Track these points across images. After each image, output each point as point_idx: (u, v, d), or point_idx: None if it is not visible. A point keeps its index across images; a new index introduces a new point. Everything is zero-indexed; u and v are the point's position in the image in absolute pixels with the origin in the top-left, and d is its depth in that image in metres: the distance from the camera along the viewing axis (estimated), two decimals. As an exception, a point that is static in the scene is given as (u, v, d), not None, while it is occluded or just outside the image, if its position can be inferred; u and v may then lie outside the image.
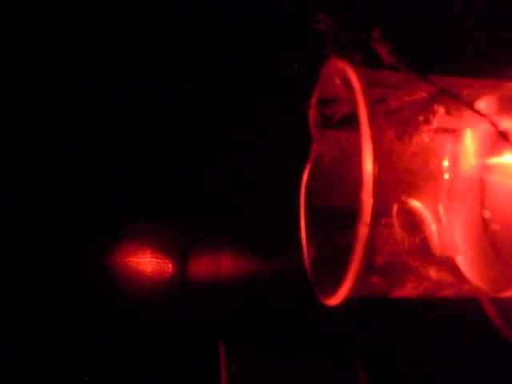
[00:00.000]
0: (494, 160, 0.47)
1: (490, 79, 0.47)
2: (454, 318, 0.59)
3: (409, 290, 0.44)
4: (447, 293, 0.47)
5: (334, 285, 0.41)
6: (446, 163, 0.50)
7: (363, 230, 0.36)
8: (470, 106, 0.38)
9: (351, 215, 0.42)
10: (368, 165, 0.36)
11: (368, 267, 0.40)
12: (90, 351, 0.64)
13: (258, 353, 0.68)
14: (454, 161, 0.50)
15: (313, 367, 0.69)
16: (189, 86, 0.63)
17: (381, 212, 0.48)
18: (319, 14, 0.42)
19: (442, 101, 0.45)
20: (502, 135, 0.38)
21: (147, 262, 0.66)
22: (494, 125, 0.37)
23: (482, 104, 0.48)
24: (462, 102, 0.40)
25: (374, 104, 0.40)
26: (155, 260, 0.67)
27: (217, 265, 0.71)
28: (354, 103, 0.39)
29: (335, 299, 0.40)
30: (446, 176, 0.50)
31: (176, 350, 0.66)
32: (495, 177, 0.46)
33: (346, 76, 0.40)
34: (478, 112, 0.38)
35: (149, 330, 0.66)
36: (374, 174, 0.36)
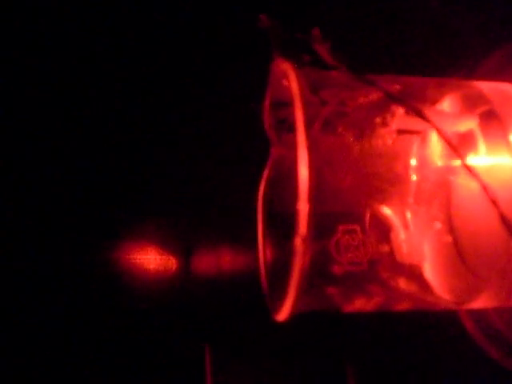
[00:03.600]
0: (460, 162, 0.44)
1: (453, 78, 0.44)
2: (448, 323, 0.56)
3: (364, 302, 0.42)
4: (408, 305, 0.45)
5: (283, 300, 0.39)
6: (413, 165, 0.48)
7: (299, 243, 0.34)
8: (414, 108, 0.36)
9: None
10: (303, 171, 0.34)
11: (312, 280, 0.38)
12: (94, 348, 0.63)
13: (247, 354, 0.66)
14: (421, 162, 0.47)
15: (300, 370, 0.67)
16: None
17: (338, 218, 0.46)
18: (261, 14, 0.40)
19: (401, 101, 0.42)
20: (445, 139, 0.35)
21: (151, 259, 0.66)
22: (437, 128, 0.35)
23: (445, 103, 0.46)
24: (401, 103, 0.38)
25: (314, 107, 0.38)
26: (159, 257, 0.67)
27: (218, 260, 0.70)
28: (292, 106, 0.37)
29: (282, 315, 0.38)
30: (414, 178, 0.48)
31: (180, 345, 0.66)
32: (460, 180, 0.44)
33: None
34: (422, 116, 0.36)
35: (155, 325, 0.65)
36: (309, 182, 0.34)
